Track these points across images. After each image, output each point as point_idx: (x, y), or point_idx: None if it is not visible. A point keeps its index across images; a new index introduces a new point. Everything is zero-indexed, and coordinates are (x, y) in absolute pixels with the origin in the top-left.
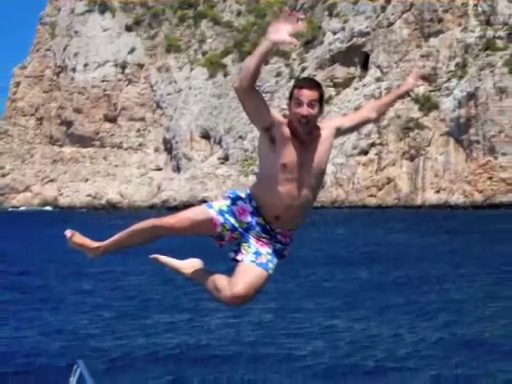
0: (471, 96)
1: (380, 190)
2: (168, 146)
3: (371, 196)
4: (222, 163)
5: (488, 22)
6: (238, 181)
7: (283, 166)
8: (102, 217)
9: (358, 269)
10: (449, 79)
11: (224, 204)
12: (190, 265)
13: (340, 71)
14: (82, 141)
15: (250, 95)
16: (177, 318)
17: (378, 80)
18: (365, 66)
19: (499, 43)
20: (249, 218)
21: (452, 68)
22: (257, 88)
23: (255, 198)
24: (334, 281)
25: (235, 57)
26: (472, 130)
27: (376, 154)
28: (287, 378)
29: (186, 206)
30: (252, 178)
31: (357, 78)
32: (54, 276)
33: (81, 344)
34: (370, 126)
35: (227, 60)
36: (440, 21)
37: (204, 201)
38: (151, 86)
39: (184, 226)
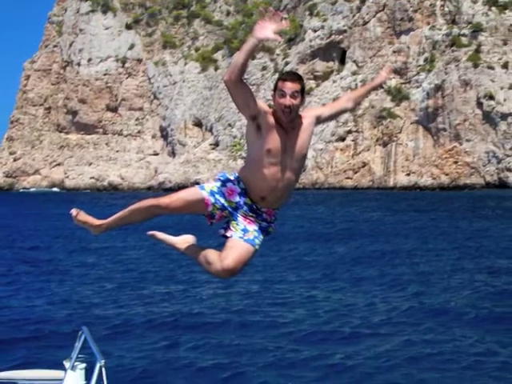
0: (438, 88)
1: (356, 172)
2: (164, 133)
3: (348, 178)
4: (213, 149)
5: (454, 21)
6: (227, 165)
7: (268, 151)
8: (104, 197)
9: (335, 244)
10: (418, 73)
11: (215, 186)
12: (183, 241)
13: (320, 65)
14: (86, 128)
15: (238, 87)
16: (172, 288)
17: (354, 73)
18: (342, 61)
19: (463, 40)
20: (237, 199)
21: (421, 63)
22: (244, 80)
23: (243, 180)
24: (314, 255)
25: (225, 52)
26: (439, 119)
27: (352, 141)
28: (272, 343)
29: (181, 187)
30: (240, 162)
31: (335, 71)
32: (61, 250)
33: (85, 312)
34: (346, 115)
35: (218, 55)
36: (410, 20)
37: (196, 183)
38: (149, 79)
39: (178, 205)
